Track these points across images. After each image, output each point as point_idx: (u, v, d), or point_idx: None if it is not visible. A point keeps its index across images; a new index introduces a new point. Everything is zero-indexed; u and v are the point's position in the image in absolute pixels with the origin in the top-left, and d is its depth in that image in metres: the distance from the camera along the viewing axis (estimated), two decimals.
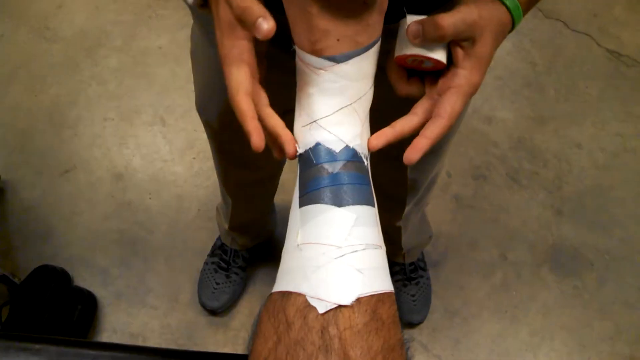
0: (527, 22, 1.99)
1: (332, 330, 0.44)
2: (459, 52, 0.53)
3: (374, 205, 0.51)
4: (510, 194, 1.70)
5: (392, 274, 1.37)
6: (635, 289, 1.55)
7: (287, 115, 0.90)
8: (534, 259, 1.60)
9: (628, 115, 1.87)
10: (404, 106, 0.76)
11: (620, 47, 2.02)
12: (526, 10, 0.56)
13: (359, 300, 0.45)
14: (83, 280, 1.54)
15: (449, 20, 0.50)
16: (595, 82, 1.93)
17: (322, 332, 0.44)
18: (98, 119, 1.81)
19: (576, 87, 1.92)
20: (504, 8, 0.53)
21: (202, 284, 1.50)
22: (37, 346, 0.60)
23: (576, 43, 1.97)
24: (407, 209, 1.10)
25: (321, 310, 0.45)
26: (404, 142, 0.90)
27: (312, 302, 0.45)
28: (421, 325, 1.48)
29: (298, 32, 0.50)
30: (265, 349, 0.45)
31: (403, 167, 0.92)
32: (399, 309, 0.49)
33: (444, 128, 0.54)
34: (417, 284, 1.47)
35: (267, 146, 1.01)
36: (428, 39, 0.51)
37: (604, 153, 1.79)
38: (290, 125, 0.81)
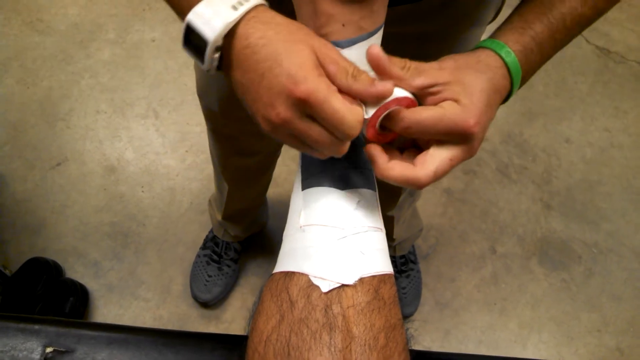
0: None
1: (336, 309, 0.45)
2: (442, 94, 0.49)
3: (375, 189, 0.52)
4: (500, 188, 1.72)
5: None
6: (622, 282, 1.57)
7: None
8: (523, 252, 1.61)
9: (616, 111, 1.89)
10: None
11: (610, 44, 2.04)
12: (525, 58, 0.53)
13: (361, 280, 0.46)
14: (75, 272, 1.54)
15: (431, 66, 0.49)
16: (584, 78, 1.95)
17: (325, 310, 0.45)
18: (91, 112, 1.81)
19: (565, 83, 1.94)
20: (496, 57, 0.51)
21: (194, 277, 1.50)
22: (36, 326, 0.60)
23: None
24: (401, 197, 1.11)
25: (325, 289, 0.46)
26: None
27: (316, 282, 0.46)
28: (411, 318, 1.49)
29: (303, 16, 0.50)
30: (268, 326, 0.46)
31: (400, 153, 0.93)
32: None
33: (412, 181, 0.49)
34: (407, 276, 1.48)
35: (260, 133, 1.01)
36: (410, 81, 0.48)
37: (592, 148, 1.80)
38: None
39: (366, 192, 0.51)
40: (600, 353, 1.48)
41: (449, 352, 1.48)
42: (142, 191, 1.67)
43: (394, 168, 0.47)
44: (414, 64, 0.48)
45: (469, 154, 0.49)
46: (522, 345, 1.48)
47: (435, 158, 0.48)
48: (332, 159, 0.50)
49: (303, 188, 0.52)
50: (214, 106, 0.92)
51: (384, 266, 0.49)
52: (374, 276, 0.47)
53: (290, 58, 0.44)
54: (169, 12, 2.15)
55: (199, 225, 1.60)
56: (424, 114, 0.47)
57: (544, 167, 1.76)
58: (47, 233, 1.61)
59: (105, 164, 1.71)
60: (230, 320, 1.49)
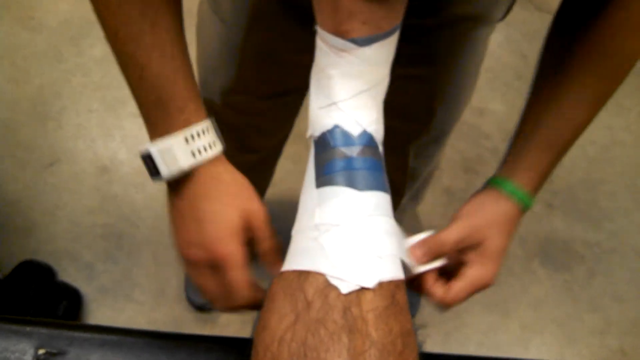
0: (518, 15, 1.98)
1: (355, 311, 0.44)
2: (467, 255, 0.59)
3: (388, 193, 0.51)
4: None
5: None
6: (625, 282, 1.56)
7: (284, 96, 0.89)
8: (525, 252, 1.60)
9: (618, 108, 1.87)
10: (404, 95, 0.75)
11: None
12: (539, 188, 0.62)
13: (380, 284, 0.46)
14: (67, 275, 1.51)
15: (450, 238, 0.57)
16: None
17: (344, 312, 0.44)
18: (83, 110, 1.78)
19: None
20: (509, 203, 0.60)
21: (189, 280, 1.47)
22: (28, 328, 0.60)
23: None
24: (404, 200, 1.10)
25: (344, 290, 0.45)
26: (410, 133, 0.90)
27: (334, 282, 0.45)
28: (412, 320, 1.47)
29: (323, 12, 0.48)
30: (281, 325, 0.45)
31: (405, 154, 0.93)
32: None
33: (438, 305, 0.59)
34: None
35: (265, 127, 1.02)
36: (432, 257, 0.57)
37: (595, 146, 1.79)
38: (287, 106, 0.82)
39: (382, 195, 0.50)
40: (603, 354, 1.47)
41: (450, 353, 1.46)
42: (136, 192, 1.64)
43: (437, 291, 0.58)
44: (433, 243, 0.58)
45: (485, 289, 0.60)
46: (524, 347, 1.47)
47: (460, 289, 0.58)
48: (348, 159, 0.50)
49: (318, 186, 0.50)
50: (216, 97, 0.90)
51: (399, 272, 0.48)
52: (391, 281, 0.47)
53: (223, 219, 0.52)
54: None
55: None
56: (460, 296, 0.58)
57: None
58: (39, 235, 1.58)
59: (98, 164, 1.68)
60: (225, 323, 1.47)
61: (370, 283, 0.45)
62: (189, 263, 0.53)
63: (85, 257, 1.55)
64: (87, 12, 2.09)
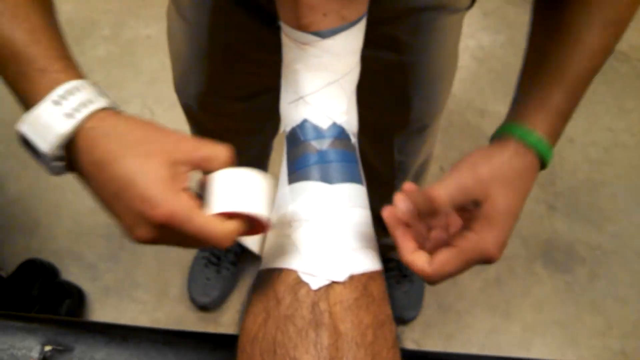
0: (520, 16, 1.98)
1: (323, 305, 0.44)
2: (465, 215, 0.50)
3: (362, 184, 0.51)
4: None
5: (386, 270, 1.35)
6: (626, 284, 1.56)
7: (259, 96, 0.88)
8: (527, 254, 1.59)
9: (620, 110, 1.87)
10: (383, 86, 0.74)
11: None
12: (556, 134, 0.53)
13: (351, 276, 0.46)
14: (70, 274, 1.51)
15: (442, 192, 0.47)
16: None
17: (312, 307, 0.44)
18: None
19: None
20: (521, 151, 0.50)
21: (192, 279, 1.48)
22: (35, 325, 0.60)
23: None
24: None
25: (314, 286, 0.45)
26: (390, 125, 0.88)
27: (305, 278, 0.45)
28: (414, 321, 1.47)
29: (284, 6, 0.48)
30: (255, 325, 0.45)
31: (390, 147, 0.92)
32: (392, 305, 0.49)
33: (423, 277, 0.48)
34: (410, 280, 1.46)
35: (245, 129, 0.99)
36: (423, 215, 0.48)
37: (596, 148, 1.79)
38: (263, 106, 0.79)
39: (355, 187, 0.50)
40: (605, 356, 1.47)
41: (452, 352, 1.46)
42: None
43: (416, 262, 0.48)
44: (422, 198, 0.48)
45: (489, 263, 0.49)
46: (526, 348, 1.47)
47: (448, 261, 0.48)
48: (319, 153, 0.49)
49: (290, 182, 0.50)
50: (193, 102, 0.89)
51: (374, 264, 0.48)
52: (363, 273, 0.46)
53: (143, 177, 0.41)
54: (165, 8, 2.13)
55: None
56: (446, 268, 0.47)
57: (548, 168, 1.74)
58: (42, 234, 1.58)
59: None
60: (228, 323, 1.47)
61: (341, 277, 0.45)
62: (150, 242, 0.43)
63: (88, 257, 1.55)
64: (90, 13, 2.09)
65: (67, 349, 0.59)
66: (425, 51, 0.75)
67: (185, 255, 1.53)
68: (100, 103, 0.43)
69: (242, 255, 1.51)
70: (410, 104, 0.81)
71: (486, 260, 0.47)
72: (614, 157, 1.78)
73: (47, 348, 0.59)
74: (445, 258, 0.47)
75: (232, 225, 0.43)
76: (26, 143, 0.44)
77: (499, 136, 0.52)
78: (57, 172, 0.45)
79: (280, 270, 0.46)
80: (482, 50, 1.94)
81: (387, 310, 0.47)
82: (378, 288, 0.47)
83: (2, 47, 0.43)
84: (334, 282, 0.45)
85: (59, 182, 1.64)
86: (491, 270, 1.56)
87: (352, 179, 0.50)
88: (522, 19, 1.99)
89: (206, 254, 1.48)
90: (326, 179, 0.48)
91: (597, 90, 1.90)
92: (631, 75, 1.95)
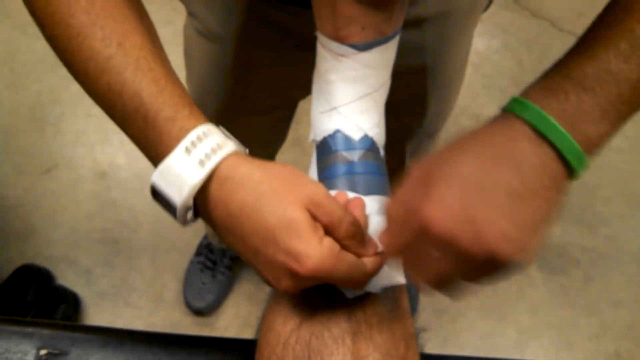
0: (515, 21, 1.99)
1: (360, 315, 0.45)
2: None
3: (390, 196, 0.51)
4: None
5: None
6: (621, 287, 1.56)
7: (278, 110, 0.88)
8: None
9: None
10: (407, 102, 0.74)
11: None
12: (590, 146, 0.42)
13: (384, 289, 0.46)
14: (66, 279, 1.51)
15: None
16: None
17: (348, 316, 0.45)
18: (82, 116, 1.78)
19: None
20: (531, 135, 0.40)
21: (187, 284, 1.48)
22: (30, 329, 0.60)
23: (562, 42, 1.97)
24: None
25: (350, 295, 0.45)
26: (404, 129, 0.89)
27: (340, 287, 0.45)
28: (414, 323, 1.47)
29: (322, 17, 0.49)
30: (286, 328, 0.45)
31: (402, 153, 0.93)
32: None
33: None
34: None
35: (259, 140, 0.99)
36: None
37: None
38: (281, 119, 0.80)
39: (383, 199, 0.50)
40: (600, 358, 1.47)
41: (447, 354, 1.47)
42: (135, 197, 1.64)
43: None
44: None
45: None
46: (520, 351, 1.47)
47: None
48: (349, 164, 0.49)
49: None
50: (211, 118, 0.90)
51: (401, 277, 0.48)
52: (394, 286, 0.47)
53: (284, 230, 0.39)
54: (161, 15, 2.14)
55: (191, 231, 1.58)
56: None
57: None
58: (38, 239, 1.58)
59: (96, 169, 1.68)
60: (224, 327, 1.47)
61: (375, 288, 0.46)
62: (291, 292, 0.42)
63: (83, 262, 1.55)
64: None
65: (63, 353, 0.59)
66: (445, 55, 0.76)
67: (181, 260, 1.53)
68: (229, 147, 0.43)
69: (238, 260, 1.51)
70: (426, 107, 0.83)
71: (420, 222, 0.38)
72: (609, 161, 1.78)
73: (43, 352, 0.59)
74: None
75: (366, 268, 0.42)
76: (156, 195, 0.44)
77: (503, 112, 0.44)
78: (188, 222, 0.45)
79: None
80: (477, 55, 1.94)
81: (413, 323, 0.49)
82: (405, 302, 0.48)
83: (128, 101, 0.43)
84: (368, 293, 0.46)
85: (55, 188, 1.65)
86: None
87: (380, 191, 0.50)
88: (517, 24, 2.00)
89: (202, 258, 1.48)
90: (355, 189, 0.49)
91: None
92: None
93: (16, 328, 0.60)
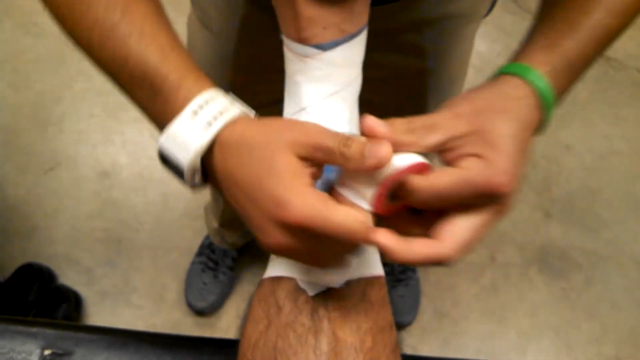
0: (516, 24, 2.00)
1: (322, 312, 0.45)
2: (457, 151, 0.43)
3: None
4: None
5: None
6: (621, 290, 1.56)
7: (279, 104, 0.89)
8: (523, 260, 1.60)
9: (615, 118, 1.88)
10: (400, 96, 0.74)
11: (609, 51, 2.02)
12: (563, 80, 0.47)
13: (348, 283, 0.46)
14: (67, 279, 1.51)
15: (427, 121, 0.43)
16: (583, 85, 1.94)
17: (312, 314, 0.45)
18: (84, 115, 1.78)
19: None
20: (520, 86, 0.44)
21: (189, 284, 1.48)
22: (34, 329, 0.60)
23: None
24: None
25: (311, 293, 0.46)
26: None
27: (302, 286, 0.46)
28: (410, 327, 1.48)
29: (284, 20, 0.49)
30: (255, 332, 0.46)
31: None
32: None
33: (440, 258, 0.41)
34: (406, 285, 1.46)
35: None
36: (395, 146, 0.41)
37: (592, 155, 1.80)
38: (280, 113, 0.79)
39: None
40: None
41: (448, 357, 1.47)
42: (136, 197, 1.65)
43: (412, 249, 0.40)
44: (420, 120, 0.43)
45: (502, 214, 0.42)
46: (521, 354, 1.47)
47: (462, 227, 0.41)
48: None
49: None
50: None
51: (373, 269, 0.48)
52: (361, 278, 0.47)
53: (271, 177, 0.39)
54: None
55: (193, 231, 1.58)
56: (442, 182, 0.40)
57: (544, 174, 1.75)
58: (40, 239, 1.58)
59: (98, 169, 1.69)
60: (225, 328, 1.47)
61: (337, 283, 0.46)
62: (284, 250, 0.41)
63: (85, 262, 1.55)
64: None
65: (67, 353, 0.59)
66: (446, 58, 0.76)
67: (182, 260, 1.53)
68: (234, 111, 0.44)
69: (240, 260, 1.51)
70: (426, 109, 0.82)
71: (495, 192, 0.40)
72: (610, 164, 1.78)
73: (47, 352, 0.59)
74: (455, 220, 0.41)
75: (362, 217, 0.39)
76: (164, 160, 0.44)
77: (494, 77, 0.48)
78: (196, 185, 0.45)
79: (280, 278, 0.47)
80: (479, 58, 1.95)
81: (387, 316, 0.47)
82: (377, 294, 0.47)
83: (134, 69, 0.44)
84: (331, 289, 0.46)
85: (57, 188, 1.65)
86: (487, 276, 1.57)
87: None
88: (519, 27, 2.00)
89: (203, 258, 1.48)
90: (328, 189, 0.48)
91: (593, 98, 1.92)
92: (627, 83, 1.96)
93: (20, 328, 0.61)
